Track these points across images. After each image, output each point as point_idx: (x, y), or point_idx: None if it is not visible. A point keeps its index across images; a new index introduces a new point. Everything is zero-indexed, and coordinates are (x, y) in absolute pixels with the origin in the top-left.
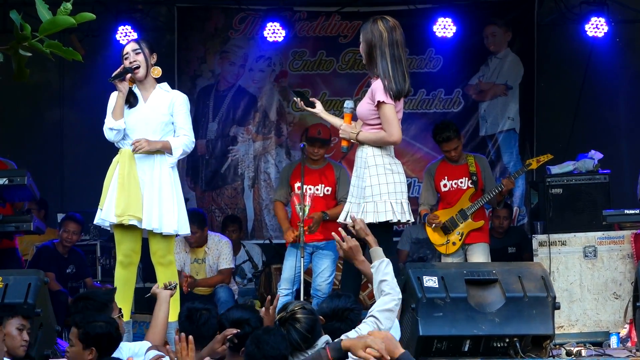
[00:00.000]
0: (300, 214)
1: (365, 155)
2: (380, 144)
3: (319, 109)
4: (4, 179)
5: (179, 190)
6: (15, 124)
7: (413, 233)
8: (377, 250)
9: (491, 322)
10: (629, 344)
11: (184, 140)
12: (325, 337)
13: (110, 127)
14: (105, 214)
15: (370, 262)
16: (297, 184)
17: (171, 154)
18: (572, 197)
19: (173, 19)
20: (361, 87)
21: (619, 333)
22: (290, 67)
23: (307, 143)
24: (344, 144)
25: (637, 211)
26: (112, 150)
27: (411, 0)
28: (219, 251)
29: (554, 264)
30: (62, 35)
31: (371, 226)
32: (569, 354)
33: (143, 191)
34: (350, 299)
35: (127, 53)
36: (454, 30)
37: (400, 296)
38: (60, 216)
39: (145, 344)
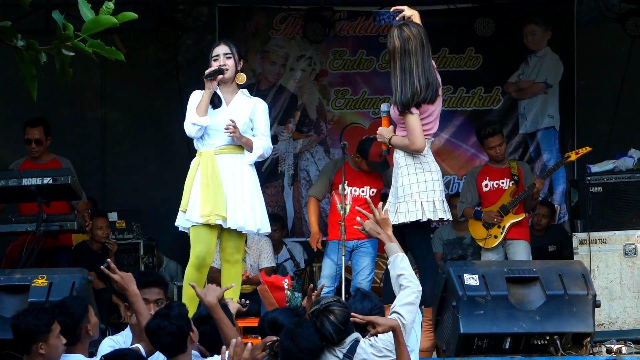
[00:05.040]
0: (341, 212)
1: (397, 157)
2: (406, 150)
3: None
4: (49, 179)
5: (259, 190)
6: (58, 123)
7: (444, 235)
8: (391, 247)
9: (532, 320)
10: None
11: (264, 143)
12: (356, 334)
13: (194, 122)
14: (190, 215)
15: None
16: (342, 185)
17: (251, 152)
18: (612, 195)
19: (214, 18)
20: None
21: None
22: (331, 66)
23: (361, 158)
24: (384, 147)
25: None
26: (153, 149)
27: None
28: (260, 250)
29: (594, 262)
30: (104, 36)
31: (404, 226)
32: (609, 351)
33: (226, 191)
34: (374, 302)
35: (217, 55)
36: (494, 29)
37: (420, 288)
38: None
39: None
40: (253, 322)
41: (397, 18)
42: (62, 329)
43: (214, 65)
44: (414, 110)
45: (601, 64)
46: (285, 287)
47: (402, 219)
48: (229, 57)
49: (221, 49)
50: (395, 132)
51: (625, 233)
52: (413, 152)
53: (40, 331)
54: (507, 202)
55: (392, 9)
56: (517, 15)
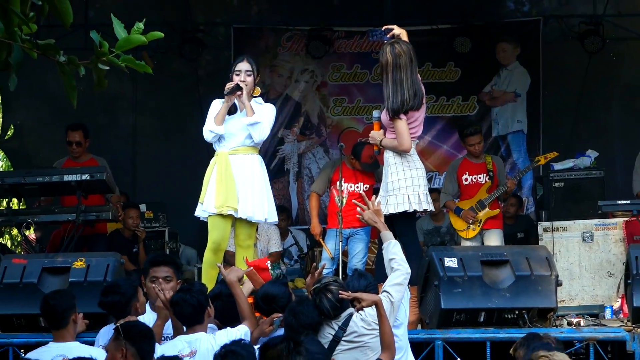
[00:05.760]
0: (339, 204)
1: (387, 156)
2: (395, 150)
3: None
4: (87, 175)
5: (267, 185)
6: (95, 128)
7: (424, 225)
8: (386, 234)
9: (503, 297)
10: (621, 315)
11: (263, 119)
12: (350, 310)
13: (211, 130)
14: (206, 206)
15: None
16: (340, 181)
17: (251, 116)
18: (572, 189)
19: (230, 37)
20: None
21: (612, 306)
22: (330, 78)
23: (355, 159)
24: (375, 148)
25: (628, 202)
26: (176, 150)
27: (434, 21)
28: (269, 237)
29: (556, 247)
30: (135, 52)
31: (394, 216)
32: (569, 324)
33: (237, 186)
34: (369, 282)
35: (239, 70)
36: (470, 47)
37: (409, 270)
38: None
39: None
40: None
41: (387, 35)
42: (115, 306)
43: (235, 79)
44: (402, 116)
45: (563, 77)
46: (269, 267)
47: (392, 209)
48: (249, 75)
49: (244, 66)
50: (385, 135)
51: (583, 222)
52: (401, 152)
53: (71, 306)
54: (484, 197)
55: (384, 27)
56: (490, 34)
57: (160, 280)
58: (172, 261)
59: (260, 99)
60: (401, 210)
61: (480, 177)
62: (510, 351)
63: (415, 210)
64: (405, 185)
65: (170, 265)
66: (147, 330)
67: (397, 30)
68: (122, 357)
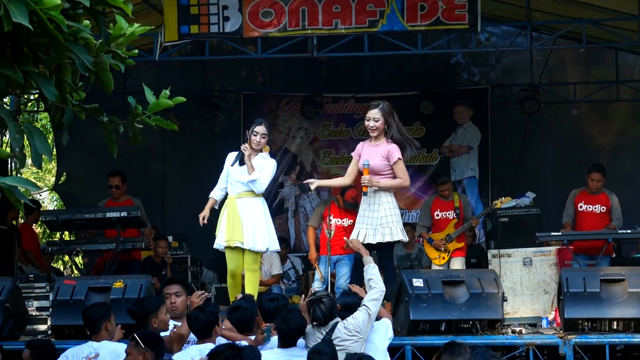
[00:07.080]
0: (328, 236)
1: (380, 195)
2: (397, 189)
3: (315, 185)
4: (124, 212)
5: (269, 220)
6: (131, 174)
7: (397, 252)
8: (367, 259)
9: (460, 310)
10: (554, 325)
11: (262, 175)
12: (337, 319)
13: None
14: (219, 240)
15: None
16: (329, 217)
17: (251, 174)
18: (514, 224)
19: (240, 102)
20: None
21: (547, 317)
22: (320, 135)
23: (340, 198)
24: (364, 189)
25: (560, 233)
26: (197, 192)
27: (404, 88)
28: (271, 262)
29: (502, 269)
30: (164, 113)
31: (381, 244)
32: (513, 332)
33: (243, 223)
34: (356, 298)
35: (256, 132)
36: (433, 109)
37: (384, 288)
38: None
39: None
40: None
41: (308, 186)
42: (136, 315)
43: (253, 138)
44: (401, 156)
45: (507, 133)
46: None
47: (388, 239)
48: (264, 137)
49: (261, 129)
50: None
51: (524, 250)
52: (401, 189)
53: (103, 316)
54: (452, 232)
55: (305, 181)
56: (449, 99)
57: (172, 295)
58: (181, 281)
59: (267, 155)
60: (396, 239)
61: (449, 214)
62: (433, 358)
63: (401, 239)
64: (397, 220)
65: (179, 284)
66: (159, 338)
67: (316, 182)
68: (144, 359)
